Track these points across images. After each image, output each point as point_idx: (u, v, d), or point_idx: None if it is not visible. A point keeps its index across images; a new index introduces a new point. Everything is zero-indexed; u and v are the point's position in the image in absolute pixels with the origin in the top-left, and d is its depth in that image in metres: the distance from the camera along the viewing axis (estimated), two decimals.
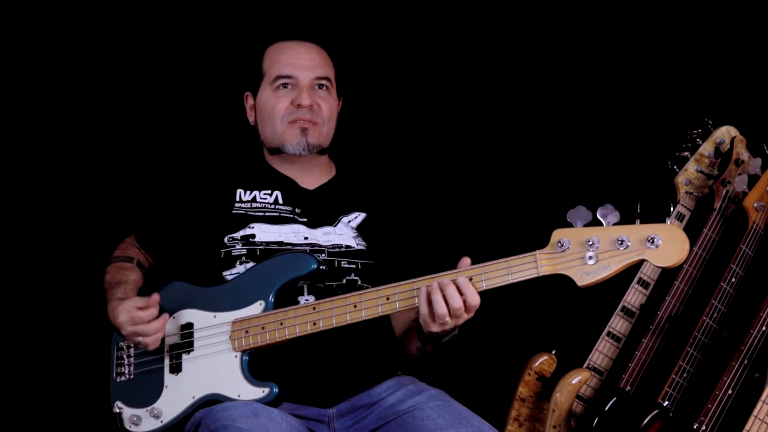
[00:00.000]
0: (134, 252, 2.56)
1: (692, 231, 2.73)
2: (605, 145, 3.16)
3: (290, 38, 2.56)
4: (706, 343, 2.66)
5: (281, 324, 2.25)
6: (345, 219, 2.49)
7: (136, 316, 2.31)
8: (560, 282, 2.08)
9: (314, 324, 2.23)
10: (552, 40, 3.22)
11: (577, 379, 2.76)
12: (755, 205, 2.67)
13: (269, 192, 2.51)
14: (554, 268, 2.06)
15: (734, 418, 2.55)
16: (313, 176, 2.55)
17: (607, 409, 2.70)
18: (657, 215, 2.08)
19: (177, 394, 2.32)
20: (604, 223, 2.04)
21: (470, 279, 2.10)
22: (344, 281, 2.41)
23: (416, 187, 2.97)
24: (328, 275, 2.38)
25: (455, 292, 2.09)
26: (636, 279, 2.83)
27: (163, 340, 2.35)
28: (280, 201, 2.50)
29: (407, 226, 2.55)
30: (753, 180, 2.69)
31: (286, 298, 2.30)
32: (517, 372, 2.85)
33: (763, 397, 2.47)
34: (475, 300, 2.10)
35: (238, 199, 2.49)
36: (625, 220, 2.03)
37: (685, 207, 2.85)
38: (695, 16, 3.10)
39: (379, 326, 2.39)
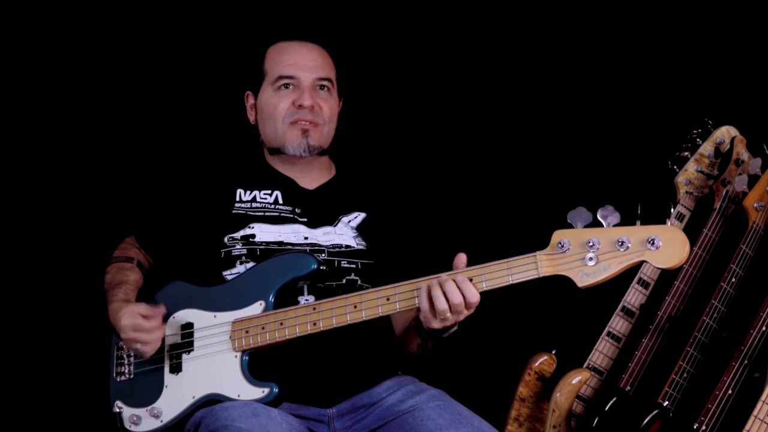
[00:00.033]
0: (134, 252, 2.55)
1: (692, 231, 2.73)
2: (605, 146, 3.16)
3: (292, 38, 2.56)
4: (706, 343, 2.67)
5: (281, 324, 2.25)
6: (345, 219, 2.49)
7: (139, 323, 2.30)
8: (560, 282, 2.08)
9: (314, 324, 2.23)
10: (552, 41, 3.22)
11: (577, 379, 2.76)
12: (755, 205, 2.67)
13: (269, 192, 2.51)
14: (554, 269, 2.06)
15: (734, 418, 2.55)
16: (313, 176, 2.55)
17: (607, 409, 2.70)
18: (657, 216, 2.08)
19: (177, 394, 2.32)
20: (604, 224, 2.04)
21: (470, 279, 2.10)
22: (344, 281, 2.41)
23: (416, 187, 2.97)
24: (328, 275, 2.38)
25: (455, 288, 2.10)
26: (636, 279, 2.83)
27: (163, 339, 2.35)
28: (280, 201, 2.50)
29: (407, 225, 2.55)
30: (753, 180, 2.69)
31: (286, 298, 2.30)
32: (517, 372, 2.85)
33: (763, 397, 2.48)
34: (474, 297, 2.10)
35: (238, 199, 2.49)
36: (626, 221, 2.03)
37: (685, 207, 2.85)
38: (695, 16, 3.10)
39: (379, 326, 2.39)
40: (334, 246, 2.44)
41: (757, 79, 3.03)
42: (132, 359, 2.41)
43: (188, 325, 2.35)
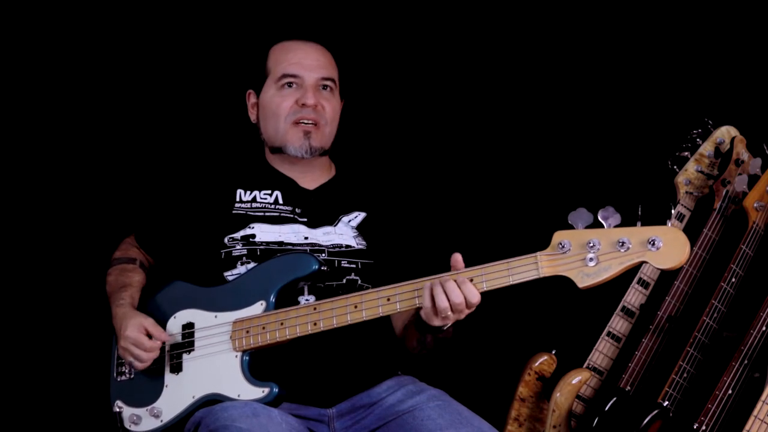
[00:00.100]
0: (135, 252, 2.56)
1: (692, 231, 2.73)
2: (606, 146, 3.16)
3: (296, 38, 2.56)
4: (706, 343, 2.67)
5: (282, 324, 2.25)
6: (345, 218, 2.49)
7: (141, 341, 2.31)
8: (560, 282, 2.08)
9: (315, 324, 2.23)
10: (552, 41, 3.22)
11: (577, 379, 2.76)
12: (755, 205, 2.67)
13: (269, 192, 2.51)
14: (555, 270, 2.06)
15: (734, 418, 2.55)
16: (313, 176, 2.55)
17: (607, 409, 2.70)
18: (658, 216, 2.08)
19: (177, 394, 2.32)
20: (605, 225, 2.04)
21: (471, 280, 2.10)
22: (344, 281, 2.41)
23: (416, 186, 2.97)
24: (329, 275, 2.38)
25: (455, 288, 2.10)
26: (636, 279, 2.83)
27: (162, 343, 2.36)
28: (280, 201, 2.50)
29: (407, 225, 2.55)
30: (753, 180, 2.69)
31: (287, 298, 2.30)
32: (517, 372, 2.85)
33: (763, 397, 2.48)
34: (474, 297, 2.11)
35: (238, 199, 2.49)
36: (626, 221, 2.04)
37: (685, 207, 2.85)
38: (695, 16, 3.10)
39: (380, 326, 2.39)
40: (334, 246, 2.44)
41: (757, 79, 3.03)
42: None
43: (189, 325, 2.35)
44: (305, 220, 2.47)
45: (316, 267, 2.28)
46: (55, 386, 3.11)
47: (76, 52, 3.14)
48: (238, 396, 2.25)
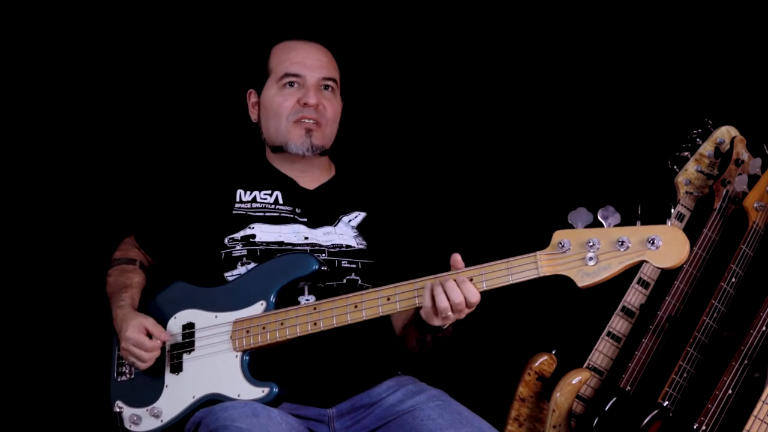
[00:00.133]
0: (135, 253, 2.56)
1: (692, 231, 2.73)
2: (606, 146, 3.16)
3: (299, 38, 2.57)
4: (706, 343, 2.67)
5: (282, 324, 2.25)
6: (345, 218, 2.49)
7: (142, 341, 2.31)
8: (560, 282, 2.08)
9: (315, 324, 2.23)
10: (552, 41, 3.22)
11: (577, 379, 2.76)
12: (755, 205, 2.67)
13: (269, 192, 2.51)
14: (554, 269, 2.06)
15: (734, 418, 2.55)
16: (313, 176, 2.55)
17: (607, 409, 2.70)
18: (657, 216, 2.08)
19: (177, 394, 2.32)
20: (604, 224, 2.04)
21: (471, 279, 2.11)
22: (344, 281, 2.41)
23: (416, 186, 2.98)
24: (329, 275, 2.38)
25: (455, 287, 2.11)
26: (636, 279, 2.83)
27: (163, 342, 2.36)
28: (280, 201, 2.50)
29: (407, 225, 2.55)
30: (753, 180, 2.69)
31: (287, 298, 2.30)
32: (517, 372, 2.85)
33: (763, 397, 2.48)
34: (474, 297, 2.11)
35: (238, 199, 2.49)
36: (626, 221, 2.04)
37: (685, 207, 2.85)
38: (695, 16, 3.10)
39: (380, 326, 2.39)
40: (334, 246, 2.44)
41: (757, 79, 3.03)
42: None
43: (189, 325, 2.35)
44: (305, 220, 2.47)
45: (317, 267, 2.28)
46: (55, 386, 3.11)
47: (76, 50, 3.14)
48: (238, 396, 2.25)
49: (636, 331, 2.82)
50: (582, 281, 2.04)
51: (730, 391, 2.56)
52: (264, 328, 2.26)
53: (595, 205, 2.06)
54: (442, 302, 2.10)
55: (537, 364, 2.83)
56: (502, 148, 3.26)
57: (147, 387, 2.37)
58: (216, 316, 2.33)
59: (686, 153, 2.85)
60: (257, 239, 2.42)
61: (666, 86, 3.14)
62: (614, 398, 2.72)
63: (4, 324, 3.10)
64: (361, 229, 2.49)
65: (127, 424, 2.37)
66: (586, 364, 2.82)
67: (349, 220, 2.49)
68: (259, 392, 2.24)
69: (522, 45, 3.24)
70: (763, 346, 2.56)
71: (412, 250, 2.51)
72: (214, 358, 2.30)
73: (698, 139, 2.85)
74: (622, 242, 2.01)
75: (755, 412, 2.47)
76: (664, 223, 2.02)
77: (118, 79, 3.17)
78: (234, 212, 2.47)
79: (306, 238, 2.43)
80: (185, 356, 2.33)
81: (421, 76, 3.27)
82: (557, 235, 2.07)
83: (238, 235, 2.42)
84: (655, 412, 2.63)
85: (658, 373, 2.74)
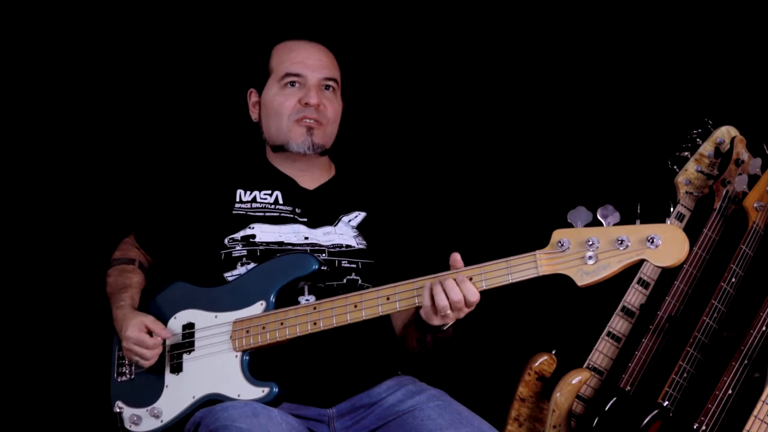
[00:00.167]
0: (135, 253, 2.56)
1: (692, 231, 2.73)
2: (605, 145, 3.16)
3: (300, 38, 2.57)
4: (706, 343, 2.66)
5: (282, 324, 2.25)
6: (345, 218, 2.49)
7: (143, 339, 2.32)
8: (560, 282, 2.08)
9: (315, 324, 2.23)
10: (552, 41, 3.22)
11: (577, 379, 2.76)
12: (755, 205, 2.67)
13: (269, 192, 2.51)
14: (554, 268, 2.06)
15: (734, 418, 2.55)
16: (313, 176, 2.56)
17: (607, 409, 2.70)
18: (657, 215, 2.08)
19: (177, 394, 2.32)
20: (604, 223, 2.04)
21: (470, 279, 2.11)
22: (345, 281, 2.41)
23: (416, 186, 2.98)
24: (329, 275, 2.38)
25: (454, 286, 2.11)
26: (636, 279, 2.83)
27: (164, 340, 2.36)
28: (280, 201, 2.50)
29: (407, 225, 2.56)
30: (753, 180, 2.69)
31: (287, 298, 2.30)
32: (517, 372, 2.85)
33: (763, 397, 2.47)
34: (473, 296, 2.11)
35: (238, 199, 2.50)
36: (626, 220, 2.04)
37: (685, 207, 2.85)
38: (695, 16, 3.10)
39: (380, 326, 2.39)
40: (334, 246, 2.44)
41: (757, 79, 3.03)
42: None
43: (189, 326, 2.35)
44: (305, 220, 2.47)
45: (316, 267, 2.28)
46: (55, 386, 3.11)
47: (76, 50, 3.15)
48: (238, 396, 2.25)
49: (636, 331, 2.82)
50: (581, 280, 2.04)
51: (730, 391, 2.56)
52: (264, 328, 2.26)
53: (594, 204, 2.06)
54: (442, 301, 2.10)
55: (537, 364, 2.83)
56: (502, 148, 3.26)
57: (147, 387, 2.37)
58: (216, 316, 2.33)
59: (686, 153, 2.85)
60: (257, 239, 2.42)
61: (666, 86, 3.14)
62: (614, 398, 2.72)
63: (4, 324, 3.10)
64: (361, 229, 2.49)
65: (127, 425, 2.37)
66: (586, 364, 2.82)
67: (349, 220, 2.49)
68: (259, 392, 2.24)
69: (522, 45, 3.24)
70: (763, 346, 2.56)
71: (412, 249, 2.51)
72: (214, 358, 2.30)
73: (698, 139, 2.85)
74: (622, 241, 2.01)
75: (755, 412, 2.47)
76: (664, 222, 2.02)
77: (118, 80, 3.17)
78: (234, 212, 2.47)
79: (306, 238, 2.43)
80: (185, 356, 2.33)
81: (421, 76, 3.27)
82: (557, 234, 2.07)
83: (238, 235, 2.43)
84: (655, 412, 2.63)
85: (658, 373, 2.73)
